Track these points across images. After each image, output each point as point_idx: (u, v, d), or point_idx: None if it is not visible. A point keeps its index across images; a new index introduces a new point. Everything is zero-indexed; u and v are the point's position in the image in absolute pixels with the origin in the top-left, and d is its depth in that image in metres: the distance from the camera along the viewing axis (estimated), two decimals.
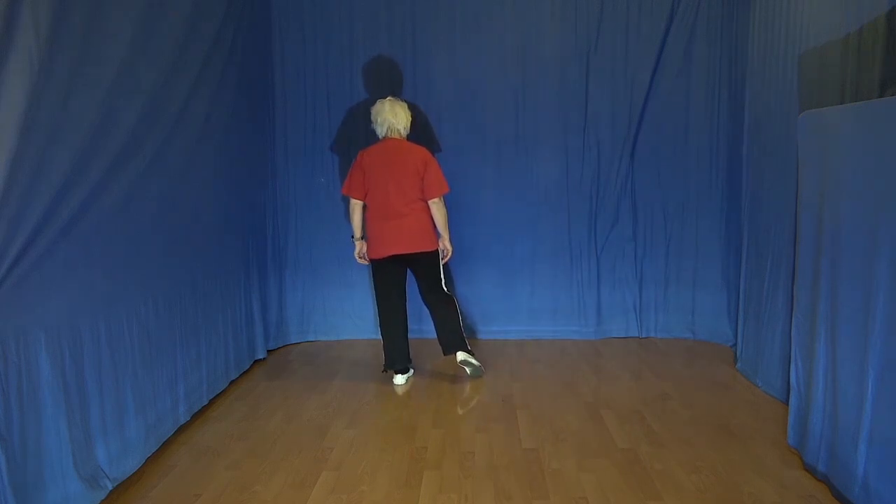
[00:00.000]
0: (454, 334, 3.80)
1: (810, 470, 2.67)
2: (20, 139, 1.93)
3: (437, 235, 3.78)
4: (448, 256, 3.83)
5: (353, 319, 4.73)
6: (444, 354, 3.88)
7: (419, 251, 3.70)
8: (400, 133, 3.70)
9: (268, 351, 4.40)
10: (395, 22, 4.51)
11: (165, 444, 2.98)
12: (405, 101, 3.80)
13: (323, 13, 4.50)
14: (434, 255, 3.77)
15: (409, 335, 3.93)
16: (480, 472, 2.74)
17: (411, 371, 3.95)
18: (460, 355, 3.80)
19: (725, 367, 4.08)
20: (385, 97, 3.78)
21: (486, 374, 3.94)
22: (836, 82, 2.90)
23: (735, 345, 4.21)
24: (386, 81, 4.53)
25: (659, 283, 4.71)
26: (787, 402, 3.04)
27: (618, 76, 4.52)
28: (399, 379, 3.84)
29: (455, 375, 3.97)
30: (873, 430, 2.23)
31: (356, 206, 3.76)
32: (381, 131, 3.71)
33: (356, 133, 4.53)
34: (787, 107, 3.36)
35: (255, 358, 4.22)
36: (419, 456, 2.91)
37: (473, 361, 3.82)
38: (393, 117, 3.66)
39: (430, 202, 3.67)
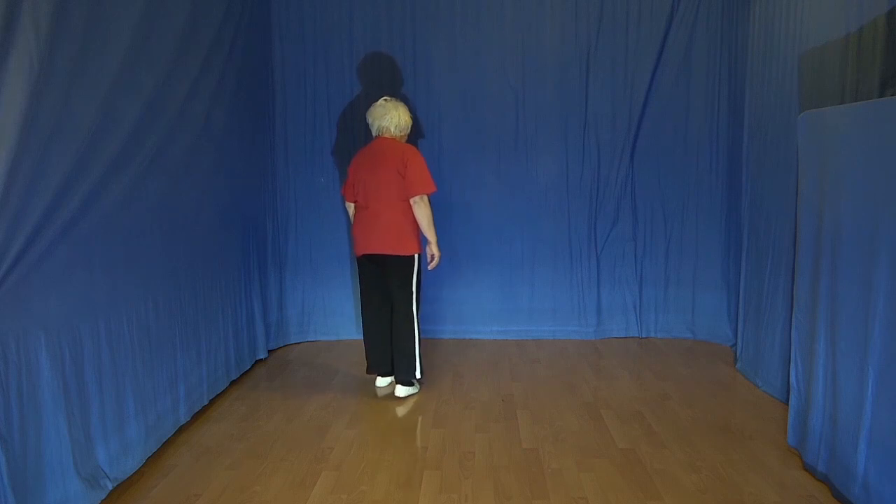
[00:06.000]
0: (404, 362, 3.59)
1: (810, 470, 2.67)
2: (20, 139, 1.93)
3: (423, 242, 3.57)
4: (435, 262, 3.59)
5: (353, 319, 4.73)
6: (395, 380, 3.67)
7: (388, 254, 3.52)
8: (391, 133, 3.57)
9: (268, 351, 4.40)
10: (394, 22, 4.51)
11: (166, 444, 2.98)
12: (403, 103, 3.65)
13: (323, 13, 4.50)
14: (406, 262, 3.53)
15: None
16: (480, 472, 2.74)
17: None
18: (400, 390, 3.61)
19: (725, 367, 4.08)
20: (383, 97, 3.64)
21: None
22: (836, 82, 2.90)
23: (735, 345, 4.21)
24: (386, 81, 4.53)
25: (659, 283, 4.71)
26: (787, 402, 3.04)
27: (618, 76, 4.52)
28: (382, 381, 3.78)
29: (455, 375, 3.97)
30: (873, 430, 2.23)
31: (349, 207, 3.73)
32: (372, 131, 3.63)
33: (356, 133, 4.54)
34: (787, 107, 3.37)
35: (256, 358, 4.21)
36: (419, 456, 2.91)
37: (406, 395, 3.62)
38: (382, 119, 3.54)
39: (411, 201, 3.48)
